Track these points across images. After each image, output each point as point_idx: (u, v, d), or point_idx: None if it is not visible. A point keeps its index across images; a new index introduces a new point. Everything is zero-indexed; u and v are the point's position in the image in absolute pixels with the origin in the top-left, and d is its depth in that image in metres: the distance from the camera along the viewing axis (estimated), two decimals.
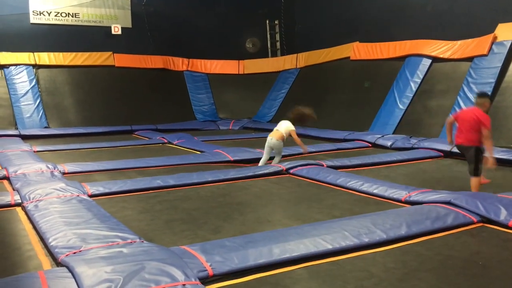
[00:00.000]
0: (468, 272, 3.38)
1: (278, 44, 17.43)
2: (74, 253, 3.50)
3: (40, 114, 13.34)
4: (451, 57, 10.82)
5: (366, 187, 5.86)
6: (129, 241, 3.72)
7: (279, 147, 7.46)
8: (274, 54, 17.38)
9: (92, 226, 4.09)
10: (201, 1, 16.64)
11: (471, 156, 5.69)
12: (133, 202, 5.52)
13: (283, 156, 7.83)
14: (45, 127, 13.13)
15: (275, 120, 14.63)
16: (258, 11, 17.12)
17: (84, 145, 10.33)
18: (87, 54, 14.65)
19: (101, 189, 5.79)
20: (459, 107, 9.91)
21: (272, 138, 7.42)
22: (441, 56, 11.05)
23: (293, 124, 7.45)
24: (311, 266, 3.46)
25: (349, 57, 13.50)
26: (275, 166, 7.15)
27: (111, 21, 15.45)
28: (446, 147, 8.48)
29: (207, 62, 16.50)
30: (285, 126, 7.43)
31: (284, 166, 7.12)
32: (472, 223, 4.43)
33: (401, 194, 5.42)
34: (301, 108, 7.58)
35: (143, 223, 4.69)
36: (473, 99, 9.68)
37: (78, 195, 5.24)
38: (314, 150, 9.45)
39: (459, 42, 10.78)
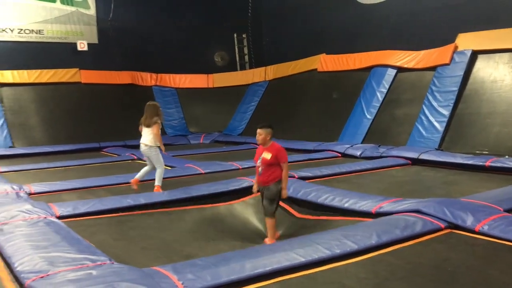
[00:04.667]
0: (438, 279, 3.43)
1: (246, 57, 17.52)
2: (41, 277, 3.39)
3: (5, 133, 12.97)
4: (415, 66, 11.09)
5: (337, 201, 5.82)
6: (99, 263, 3.64)
7: (151, 154, 7.10)
8: (242, 67, 17.45)
9: (60, 249, 3.98)
10: (169, 15, 16.61)
11: (273, 194, 5.29)
12: (103, 222, 5.41)
13: None
14: (10, 147, 12.77)
15: (246, 133, 14.74)
16: (225, 24, 17.20)
17: (51, 164, 10.09)
18: (52, 71, 14.37)
19: (70, 210, 5.65)
20: (425, 115, 10.16)
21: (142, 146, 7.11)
22: (406, 66, 11.32)
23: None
24: (284, 281, 3.46)
25: (316, 69, 13.68)
26: (247, 180, 7.10)
27: (77, 37, 15.23)
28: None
29: (176, 76, 16.42)
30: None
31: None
32: (440, 229, 4.51)
33: (371, 206, 5.44)
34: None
35: (113, 244, 4.61)
36: (437, 108, 9.99)
37: (45, 217, 5.10)
38: None
39: (422, 52, 11.07)
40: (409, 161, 8.81)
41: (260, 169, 5.38)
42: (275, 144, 5.37)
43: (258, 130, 5.32)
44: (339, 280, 3.45)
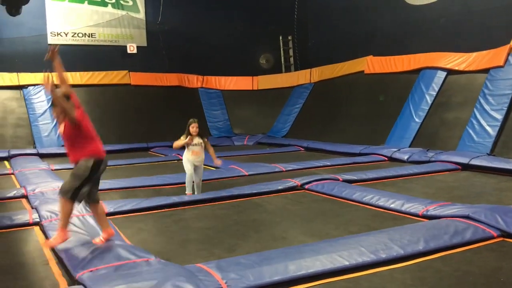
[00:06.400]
0: None
1: (291, 59, 17.51)
2: (91, 271, 3.51)
3: (58, 133, 13.53)
4: (467, 69, 10.73)
5: (382, 201, 5.80)
6: (145, 259, 3.73)
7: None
8: (287, 70, 17.45)
9: (108, 245, 4.10)
10: (215, 18, 16.85)
11: (80, 169, 4.11)
12: (149, 220, 5.53)
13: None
14: (63, 146, 13.23)
15: (290, 136, 14.71)
16: (271, 27, 17.26)
17: None
18: (103, 73, 14.89)
19: (117, 208, 5.81)
20: (476, 119, 9.79)
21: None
22: (456, 68, 10.97)
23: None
24: (327, 283, 3.42)
25: (363, 71, 13.48)
26: (291, 181, 7.10)
27: (127, 41, 15.71)
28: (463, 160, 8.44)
29: (221, 78, 16.62)
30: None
31: (299, 181, 7.09)
32: (492, 237, 4.33)
33: (419, 208, 5.35)
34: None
35: (158, 241, 4.70)
36: (489, 111, 9.62)
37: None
38: (329, 164, 9.41)
39: (474, 54, 10.70)
40: (459, 167, 8.52)
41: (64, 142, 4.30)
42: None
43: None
44: (384, 285, 3.37)
